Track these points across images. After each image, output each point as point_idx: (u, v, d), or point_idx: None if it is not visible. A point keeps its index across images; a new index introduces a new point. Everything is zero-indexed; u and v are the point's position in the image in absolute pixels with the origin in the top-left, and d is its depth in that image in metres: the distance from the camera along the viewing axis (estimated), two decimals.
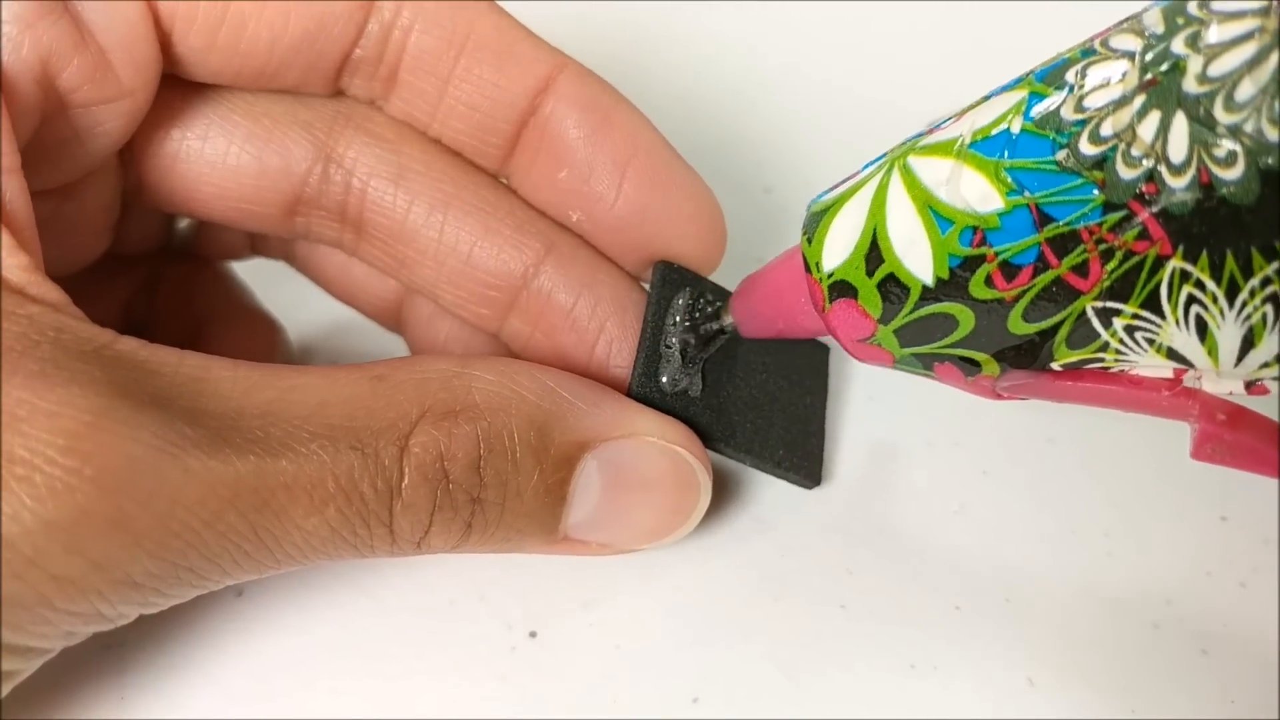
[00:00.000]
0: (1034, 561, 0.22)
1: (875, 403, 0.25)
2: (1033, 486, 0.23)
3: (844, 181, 0.18)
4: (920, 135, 0.17)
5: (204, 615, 0.20)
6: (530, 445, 0.18)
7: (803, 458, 0.22)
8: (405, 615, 0.21)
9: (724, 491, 0.23)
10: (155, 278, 0.23)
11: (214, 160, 0.20)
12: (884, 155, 0.17)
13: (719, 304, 0.21)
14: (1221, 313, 0.14)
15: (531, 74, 0.19)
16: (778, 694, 0.20)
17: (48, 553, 0.14)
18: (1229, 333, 0.15)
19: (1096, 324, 0.16)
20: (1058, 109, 0.15)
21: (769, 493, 0.23)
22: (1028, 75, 0.16)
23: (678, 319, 0.21)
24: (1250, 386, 0.16)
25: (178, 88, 0.20)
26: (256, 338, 0.23)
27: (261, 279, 0.25)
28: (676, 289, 0.21)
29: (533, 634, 0.20)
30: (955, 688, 0.20)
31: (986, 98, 0.16)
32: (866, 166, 0.18)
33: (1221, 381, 0.16)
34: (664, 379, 0.20)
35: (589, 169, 0.20)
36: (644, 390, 0.20)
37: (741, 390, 0.21)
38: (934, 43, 0.36)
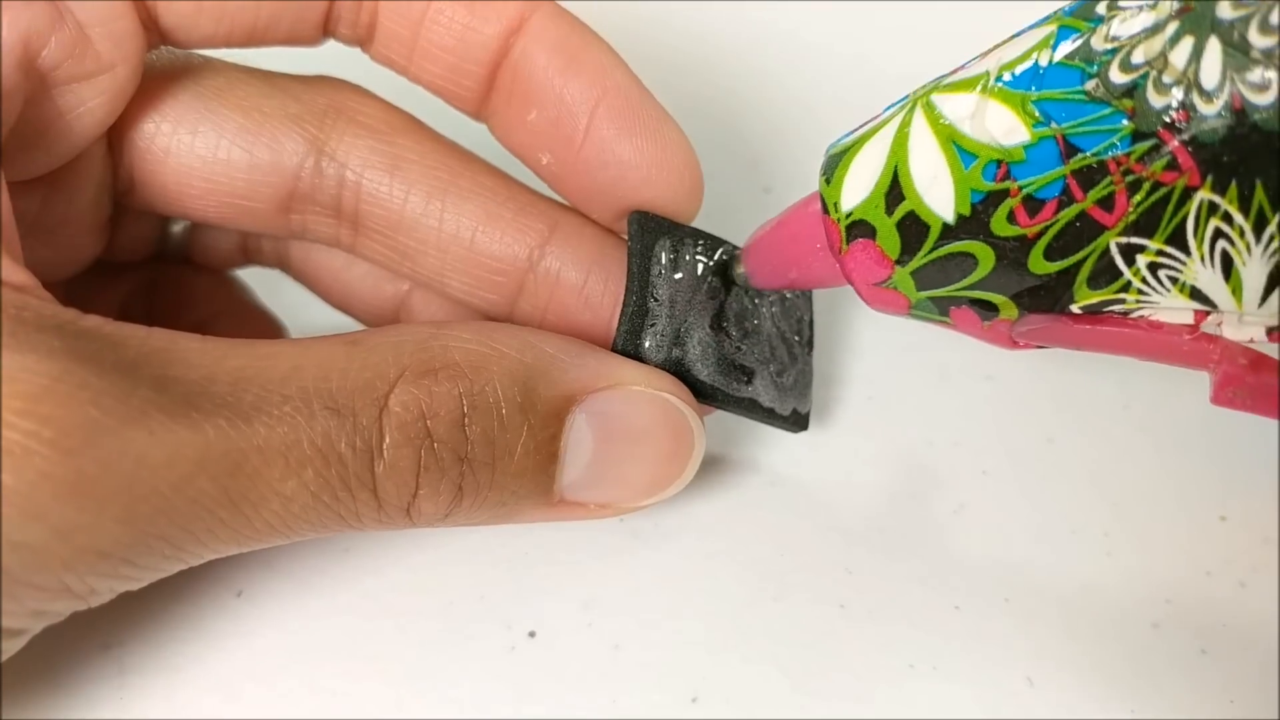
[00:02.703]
0: (1034, 561, 0.22)
1: (874, 402, 0.25)
2: (1033, 486, 0.23)
3: (864, 124, 0.18)
4: (944, 76, 0.17)
5: (203, 615, 0.20)
6: (516, 402, 0.17)
7: (792, 406, 0.22)
8: (405, 616, 0.21)
9: (724, 490, 0.23)
10: (153, 280, 0.23)
11: (204, 154, 0.20)
12: (906, 96, 0.17)
13: (703, 250, 0.21)
14: (1248, 247, 0.14)
15: (503, 15, 0.19)
16: (777, 694, 0.20)
17: (5, 519, 0.14)
18: (1255, 270, 0.15)
19: (1120, 261, 0.15)
20: (1088, 39, 0.15)
21: (769, 492, 0.23)
22: (1056, 12, 0.16)
23: (662, 270, 0.20)
24: (1272, 333, 0.16)
25: (166, 81, 0.20)
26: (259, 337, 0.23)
27: (261, 282, 0.25)
28: (655, 238, 0.20)
29: (532, 634, 0.20)
30: (955, 687, 0.20)
31: (1015, 35, 0.16)
32: (888, 108, 0.17)
33: (1243, 326, 0.15)
34: (650, 334, 0.20)
35: (556, 110, 0.19)
36: (629, 347, 0.19)
37: (731, 341, 0.21)
38: (934, 43, 0.36)
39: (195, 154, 0.20)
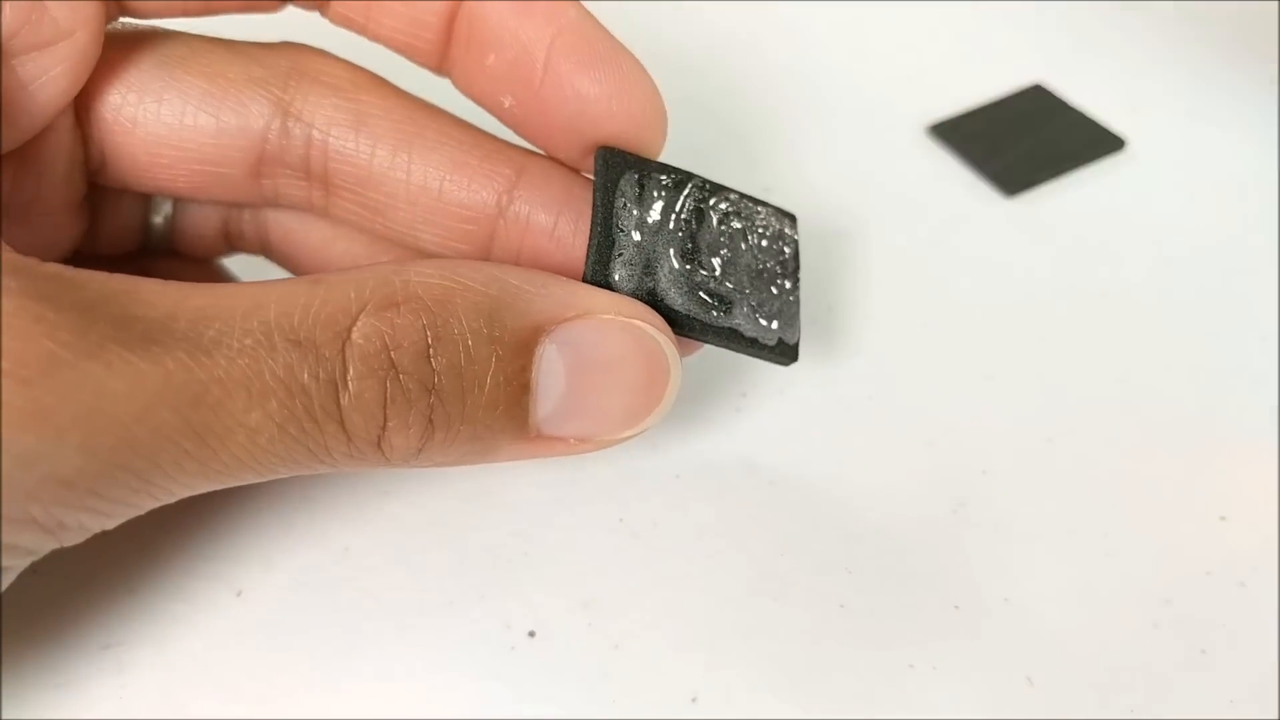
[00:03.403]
0: (1033, 561, 0.22)
1: (873, 401, 0.25)
2: (1033, 486, 0.23)
3: None
4: None
5: (203, 615, 0.20)
6: (482, 333, 0.17)
7: (777, 336, 0.21)
8: (404, 615, 0.21)
9: (724, 490, 0.23)
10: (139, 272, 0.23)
11: (171, 122, 0.20)
12: None
13: (672, 181, 0.21)
14: None
15: None
16: (777, 694, 0.20)
17: None
18: None
19: None
20: None
21: (769, 492, 0.23)
22: None
23: (627, 203, 0.20)
24: None
25: (129, 53, 0.20)
26: None
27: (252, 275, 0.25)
28: (620, 172, 0.20)
29: (532, 634, 0.20)
30: (954, 687, 0.20)
31: None
32: None
33: None
34: (619, 264, 0.19)
35: (513, 51, 0.20)
36: (598, 278, 0.19)
37: (706, 270, 0.21)
38: (934, 43, 0.36)
39: (162, 122, 0.20)
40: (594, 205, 0.20)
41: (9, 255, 0.16)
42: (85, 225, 0.21)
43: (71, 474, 0.15)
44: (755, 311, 0.21)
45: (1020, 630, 0.21)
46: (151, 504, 0.16)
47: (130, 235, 0.23)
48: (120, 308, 0.15)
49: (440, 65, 0.21)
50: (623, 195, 0.20)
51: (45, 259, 0.20)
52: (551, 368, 0.18)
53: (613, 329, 0.18)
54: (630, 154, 0.20)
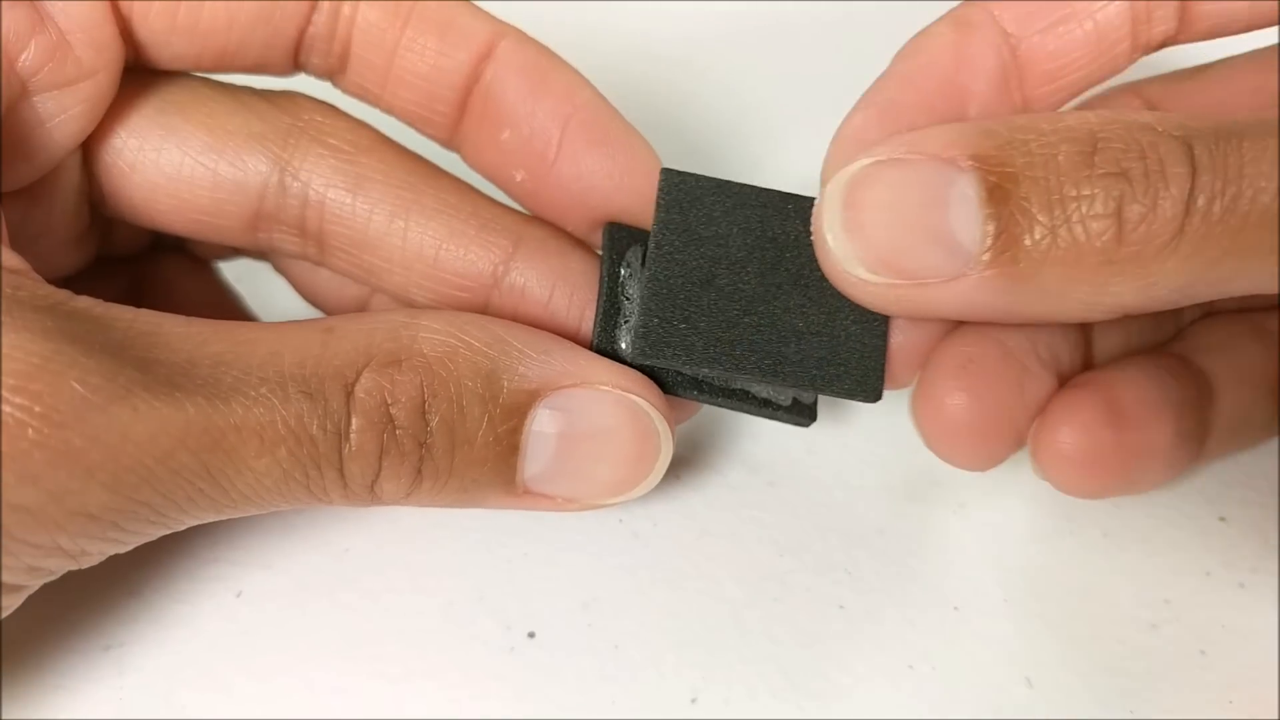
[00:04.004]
0: (1033, 561, 0.22)
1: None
2: (1033, 486, 0.23)
3: None
4: None
5: (203, 615, 0.20)
6: (477, 393, 0.18)
7: (791, 395, 0.20)
8: (404, 616, 0.21)
9: (724, 490, 0.23)
10: (140, 283, 0.24)
11: (169, 172, 0.20)
12: None
13: None
14: None
15: (473, 42, 0.20)
16: (776, 694, 0.20)
17: (5, 483, 0.15)
18: None
19: None
20: None
21: (769, 492, 0.23)
22: None
23: (633, 273, 0.20)
24: None
25: (132, 94, 0.20)
26: None
27: (253, 281, 0.25)
28: (627, 245, 0.20)
29: (531, 634, 0.20)
30: (954, 688, 0.20)
31: None
32: None
33: None
34: (625, 331, 0.20)
35: (529, 128, 0.20)
36: (604, 346, 0.19)
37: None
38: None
39: (160, 170, 0.20)
40: (601, 276, 0.20)
41: (44, 290, 0.17)
42: (92, 251, 0.22)
43: (97, 509, 0.16)
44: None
45: (1020, 630, 0.21)
46: (163, 532, 0.17)
47: (143, 236, 0.23)
48: (145, 350, 0.16)
49: (451, 139, 0.21)
50: (628, 265, 0.20)
51: (54, 277, 0.21)
52: (542, 431, 0.18)
53: (607, 401, 0.19)
54: (636, 228, 0.21)
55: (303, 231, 0.21)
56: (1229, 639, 0.21)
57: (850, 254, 0.18)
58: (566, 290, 0.20)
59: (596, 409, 0.19)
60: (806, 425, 0.21)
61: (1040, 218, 0.16)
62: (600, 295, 0.20)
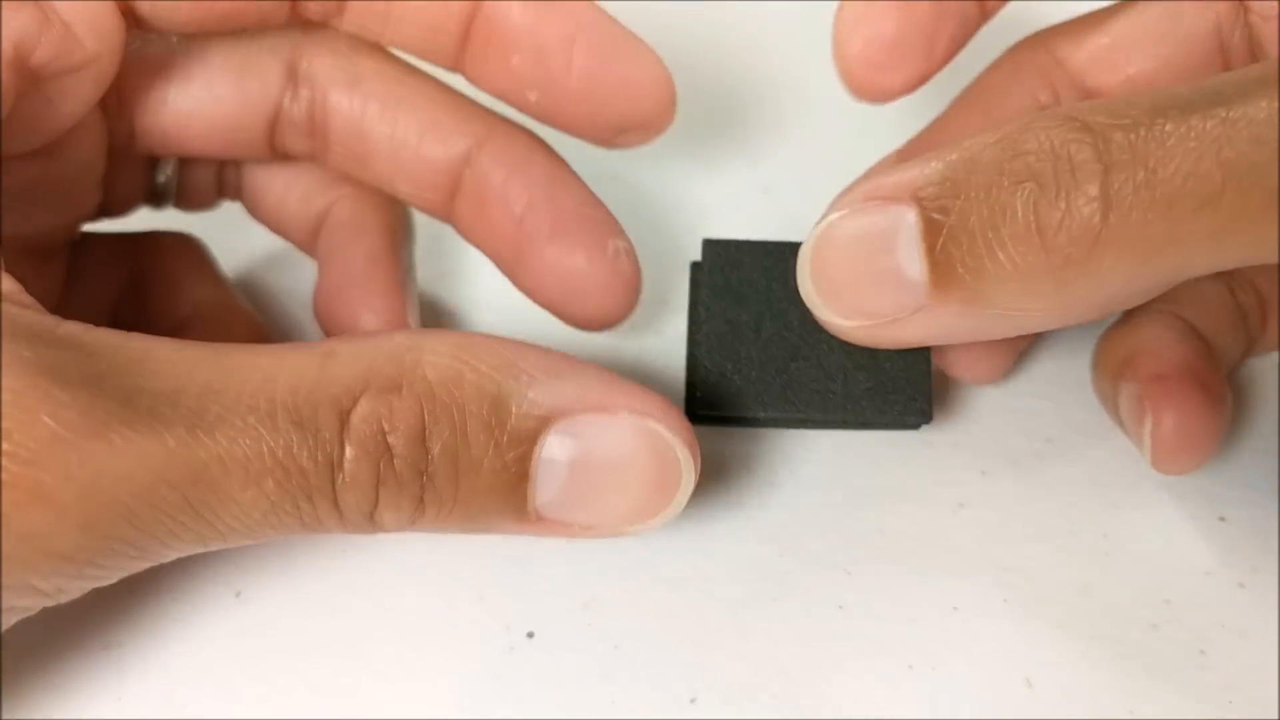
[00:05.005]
0: (1033, 561, 0.22)
1: None
2: (1032, 486, 0.23)
3: None
4: None
5: (202, 616, 0.20)
6: (482, 419, 0.17)
7: (900, 411, 0.21)
8: (404, 616, 0.21)
9: (721, 491, 0.23)
10: (141, 277, 0.24)
11: (201, 95, 0.22)
12: None
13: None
14: None
15: None
16: (776, 694, 0.20)
17: None
18: None
19: None
20: None
21: (769, 492, 0.23)
22: None
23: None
24: None
25: (158, 41, 0.21)
26: (240, 337, 0.23)
27: (252, 270, 0.25)
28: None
29: (531, 634, 0.20)
30: (953, 688, 0.20)
31: None
32: None
33: None
34: (708, 410, 0.21)
35: (539, 51, 0.21)
36: (695, 412, 0.21)
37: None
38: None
39: (192, 97, 0.22)
40: (689, 321, 0.22)
41: (30, 317, 0.16)
42: (101, 198, 0.23)
43: (71, 550, 0.15)
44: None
45: (1020, 630, 0.21)
46: (145, 565, 0.17)
47: (136, 196, 0.24)
48: (131, 378, 0.16)
49: (456, 65, 0.22)
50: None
51: (72, 229, 0.22)
52: (553, 459, 0.17)
53: (622, 427, 0.18)
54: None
55: (311, 129, 0.22)
56: (1229, 639, 0.21)
57: (823, 305, 0.19)
58: (522, 183, 0.22)
59: (611, 436, 0.18)
60: (917, 428, 0.22)
61: (971, 242, 0.17)
62: (689, 353, 0.22)
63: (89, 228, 0.23)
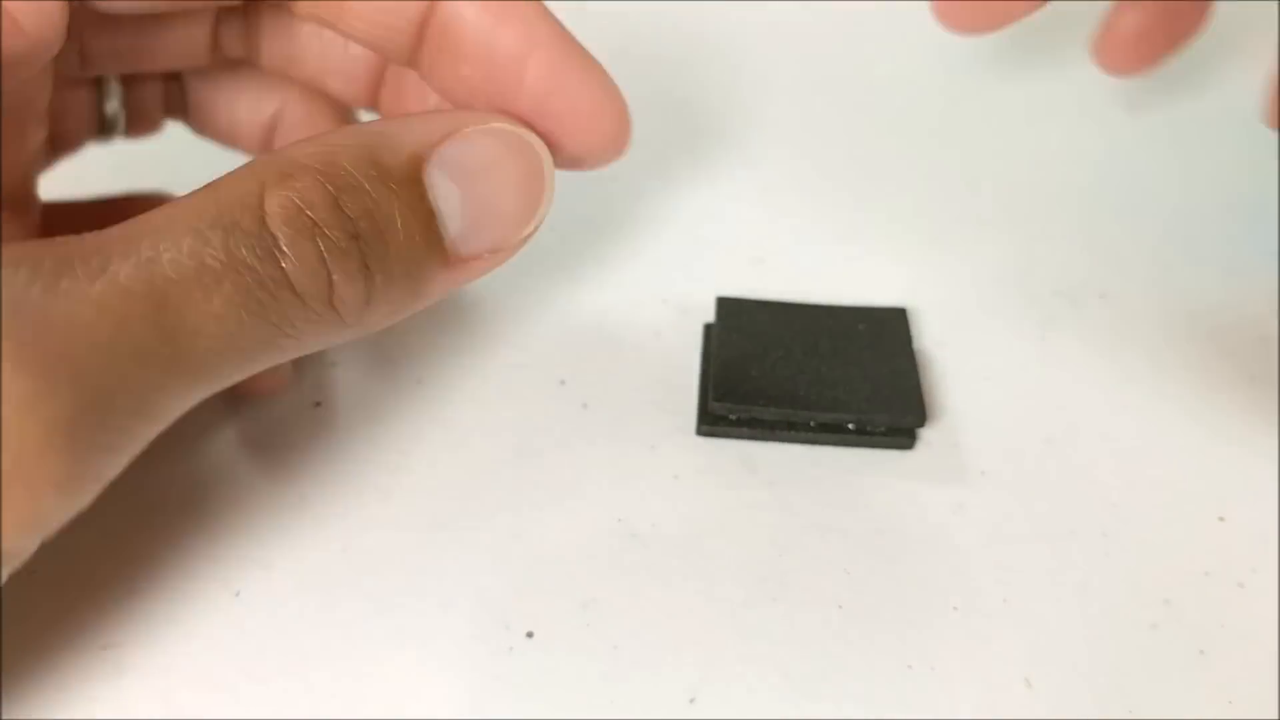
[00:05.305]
0: (1032, 562, 0.22)
1: None
2: (1031, 486, 0.23)
3: None
4: None
5: (201, 615, 0.20)
6: (372, 176, 0.18)
7: (885, 421, 0.23)
8: (403, 616, 0.21)
9: (723, 490, 0.23)
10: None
11: (153, 6, 0.21)
12: None
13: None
14: None
15: None
16: (775, 694, 0.20)
17: None
18: None
19: None
20: None
21: (769, 492, 0.23)
22: None
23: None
24: None
25: None
26: None
27: None
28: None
29: (530, 634, 0.20)
30: (952, 688, 0.20)
31: None
32: None
33: None
34: (725, 404, 0.23)
35: (489, 65, 0.21)
36: (710, 430, 0.24)
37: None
38: (933, 44, 0.36)
39: (142, 8, 0.21)
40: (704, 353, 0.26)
41: None
42: (48, 131, 0.22)
43: (72, 411, 0.15)
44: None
45: (1019, 631, 0.21)
46: (152, 429, 0.17)
47: (84, 129, 0.24)
48: (60, 251, 0.16)
49: (411, 64, 0.22)
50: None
51: (23, 181, 0.22)
52: (444, 187, 0.19)
53: (479, 137, 0.20)
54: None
55: (245, 31, 0.23)
56: (1229, 639, 0.21)
57: None
58: (492, 17, 0.21)
59: (473, 148, 0.19)
60: (912, 441, 0.24)
61: None
62: (702, 373, 0.25)
63: (60, 195, 0.23)
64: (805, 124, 0.32)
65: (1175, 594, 0.21)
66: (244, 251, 0.17)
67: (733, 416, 0.23)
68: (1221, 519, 0.23)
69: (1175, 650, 0.20)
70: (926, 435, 0.24)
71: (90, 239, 0.17)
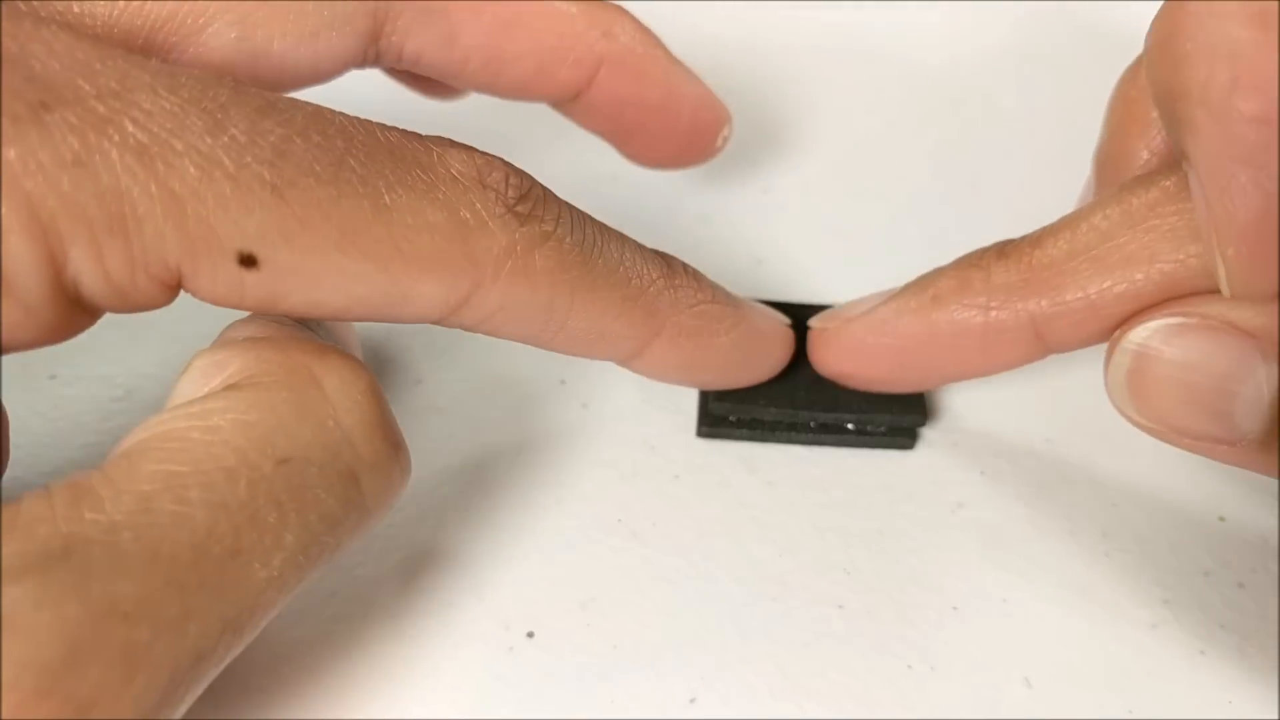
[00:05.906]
0: (1032, 561, 0.22)
1: None
2: (1031, 486, 0.23)
3: None
4: None
5: None
6: None
7: (886, 421, 0.24)
8: (403, 616, 0.21)
9: (723, 490, 0.23)
10: None
11: None
12: None
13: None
14: None
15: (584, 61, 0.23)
16: (775, 694, 0.20)
17: None
18: None
19: None
20: None
21: (769, 492, 0.23)
22: None
23: None
24: None
25: None
26: None
27: None
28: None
29: (530, 634, 0.20)
30: (952, 688, 0.20)
31: None
32: None
33: None
34: (725, 405, 0.23)
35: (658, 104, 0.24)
36: (710, 431, 0.24)
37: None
38: (933, 44, 0.36)
39: None
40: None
41: None
42: None
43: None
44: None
45: (1019, 630, 0.21)
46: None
47: None
48: None
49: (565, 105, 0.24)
50: None
51: None
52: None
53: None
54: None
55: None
56: (1229, 639, 0.21)
57: (1132, 409, 0.19)
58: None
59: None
60: (913, 439, 0.24)
61: None
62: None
63: None
64: (805, 124, 0.32)
65: (1175, 594, 0.21)
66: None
67: (733, 417, 0.23)
68: (1222, 519, 0.23)
69: (1175, 650, 0.20)
70: (927, 435, 0.24)
71: None
